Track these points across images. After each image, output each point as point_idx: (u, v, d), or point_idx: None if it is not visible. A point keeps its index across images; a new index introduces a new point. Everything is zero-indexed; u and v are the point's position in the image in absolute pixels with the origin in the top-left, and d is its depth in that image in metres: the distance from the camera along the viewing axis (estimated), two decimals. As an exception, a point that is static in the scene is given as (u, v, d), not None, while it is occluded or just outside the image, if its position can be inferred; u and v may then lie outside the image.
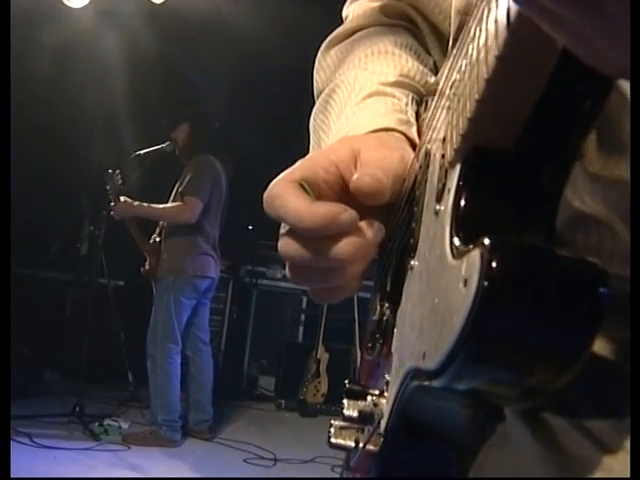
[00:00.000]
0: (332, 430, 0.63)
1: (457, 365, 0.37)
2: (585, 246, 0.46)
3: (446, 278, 0.40)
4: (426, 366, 0.41)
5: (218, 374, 5.18)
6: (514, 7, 0.34)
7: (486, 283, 0.34)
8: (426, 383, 0.42)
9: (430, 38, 0.81)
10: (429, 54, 0.82)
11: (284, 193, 0.55)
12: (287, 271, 0.59)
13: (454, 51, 0.50)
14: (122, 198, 4.62)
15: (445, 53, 0.76)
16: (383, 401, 0.57)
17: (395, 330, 0.57)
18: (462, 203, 0.41)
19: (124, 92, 6.05)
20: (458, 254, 0.39)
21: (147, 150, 4.81)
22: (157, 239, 4.73)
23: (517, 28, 0.35)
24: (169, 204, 4.65)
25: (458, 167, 0.43)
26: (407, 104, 0.72)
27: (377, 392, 0.60)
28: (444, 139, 0.48)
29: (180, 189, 4.59)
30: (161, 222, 4.75)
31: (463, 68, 0.45)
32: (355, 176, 0.57)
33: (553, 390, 0.37)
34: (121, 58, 5.93)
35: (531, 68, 0.37)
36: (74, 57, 5.85)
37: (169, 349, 4.56)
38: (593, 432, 0.44)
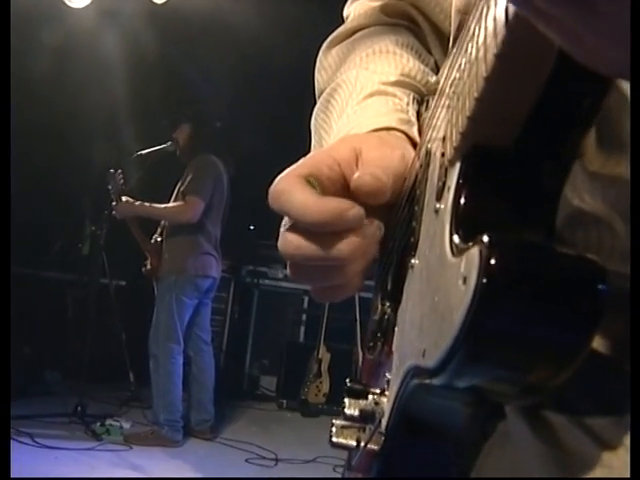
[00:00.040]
0: (334, 429, 0.63)
1: (457, 362, 0.37)
2: (584, 244, 0.46)
3: (446, 276, 0.40)
4: (426, 364, 0.41)
5: (220, 374, 5.18)
6: (512, 6, 0.34)
7: (485, 280, 0.34)
8: (426, 381, 0.42)
9: (431, 37, 0.81)
10: (430, 53, 0.82)
11: (291, 188, 0.55)
12: (288, 269, 0.59)
13: (454, 50, 0.50)
14: (124, 198, 4.62)
15: (446, 52, 0.76)
16: (384, 400, 0.57)
17: (396, 329, 0.57)
18: (462, 201, 0.41)
19: (125, 92, 6.06)
20: (457, 252, 0.39)
21: (149, 150, 4.80)
22: (158, 239, 4.73)
23: (515, 26, 0.35)
24: (171, 203, 4.65)
25: (458, 165, 0.43)
26: (408, 103, 0.72)
27: (378, 391, 0.60)
28: (444, 138, 0.48)
29: (182, 189, 4.59)
30: (162, 222, 4.76)
31: (463, 67, 0.45)
32: (356, 175, 0.57)
33: (553, 387, 0.37)
34: (123, 58, 5.93)
35: (530, 66, 0.37)
36: (76, 57, 5.85)
37: (171, 349, 4.57)
38: (593, 429, 0.44)
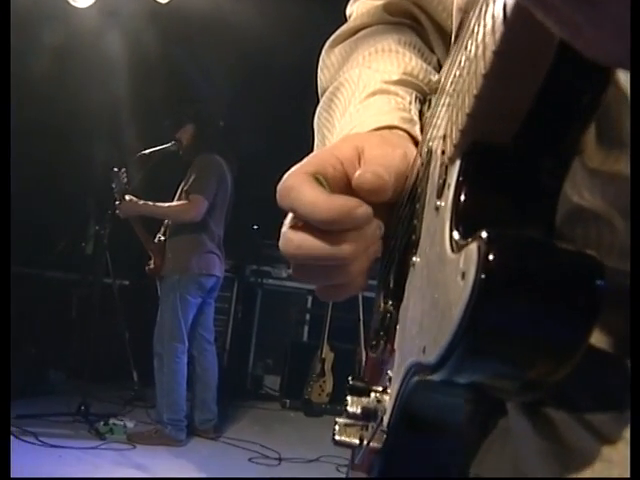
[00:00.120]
0: (337, 428, 0.63)
1: (456, 358, 0.37)
2: (584, 240, 0.46)
3: (445, 272, 0.40)
4: (426, 360, 0.41)
5: (223, 373, 5.18)
6: (510, 2, 0.35)
7: (483, 275, 0.35)
8: (427, 378, 0.42)
9: (434, 36, 0.81)
10: (433, 52, 0.82)
11: (300, 185, 0.55)
12: (291, 268, 0.59)
13: (455, 48, 0.50)
14: (127, 197, 4.62)
15: (448, 51, 0.76)
16: (386, 397, 0.57)
17: (398, 327, 0.58)
18: (462, 198, 0.42)
19: (128, 91, 6.06)
20: (457, 248, 0.39)
21: (152, 150, 4.81)
22: (162, 238, 4.73)
23: (513, 23, 0.35)
24: (174, 202, 4.65)
25: (458, 163, 0.43)
26: (410, 102, 0.72)
27: (380, 388, 0.60)
28: (444, 136, 0.48)
29: (185, 188, 4.59)
30: (166, 221, 4.76)
31: (463, 64, 0.45)
32: (357, 173, 0.57)
33: (552, 382, 0.37)
34: (125, 58, 5.93)
35: (528, 63, 0.38)
36: (79, 57, 5.86)
37: (176, 348, 4.57)
38: (593, 424, 0.45)
